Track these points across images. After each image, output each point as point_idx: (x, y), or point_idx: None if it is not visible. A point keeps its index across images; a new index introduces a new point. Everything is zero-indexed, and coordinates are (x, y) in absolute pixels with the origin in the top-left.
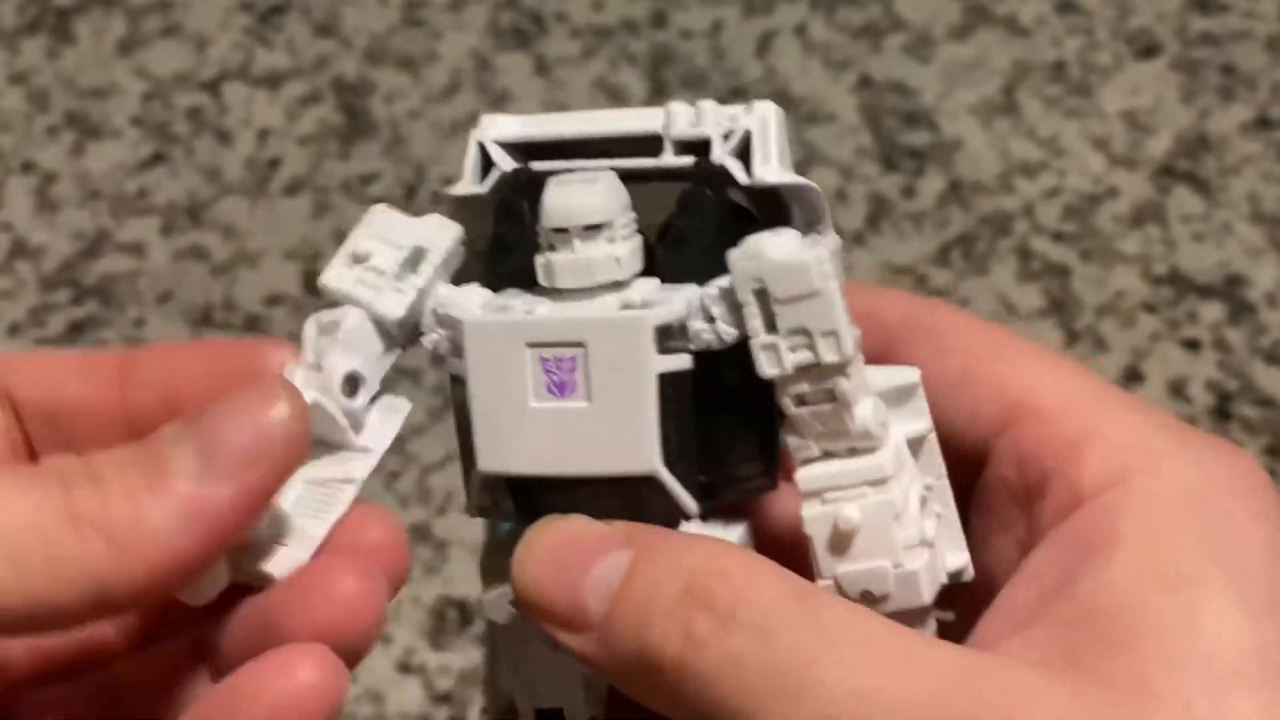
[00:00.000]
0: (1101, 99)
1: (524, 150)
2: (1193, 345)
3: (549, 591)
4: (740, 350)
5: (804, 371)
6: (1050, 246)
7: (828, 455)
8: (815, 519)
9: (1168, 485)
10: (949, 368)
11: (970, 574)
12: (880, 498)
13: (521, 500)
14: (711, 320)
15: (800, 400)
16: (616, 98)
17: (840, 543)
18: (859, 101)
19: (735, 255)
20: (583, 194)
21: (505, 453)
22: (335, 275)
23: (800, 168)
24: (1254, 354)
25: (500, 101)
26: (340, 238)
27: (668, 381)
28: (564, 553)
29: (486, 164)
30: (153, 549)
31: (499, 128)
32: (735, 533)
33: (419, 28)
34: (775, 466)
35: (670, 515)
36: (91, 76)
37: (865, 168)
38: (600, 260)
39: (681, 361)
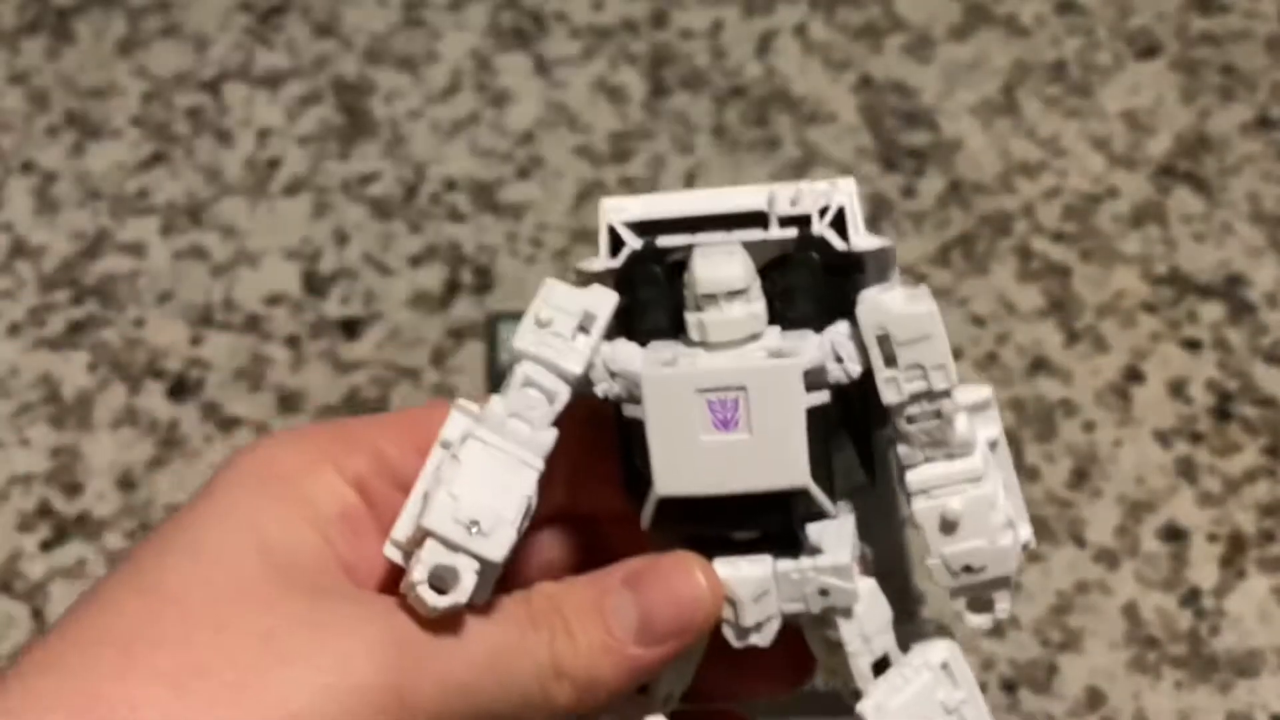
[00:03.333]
0: (1101, 99)
1: (640, 228)
2: (1193, 345)
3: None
4: (852, 384)
5: (916, 398)
6: (1050, 246)
7: (928, 460)
8: (925, 511)
9: None
10: None
11: (1034, 543)
12: (978, 492)
13: (693, 515)
14: (839, 360)
15: (911, 419)
16: (617, 98)
17: (947, 529)
18: (859, 101)
19: (862, 310)
20: (727, 264)
21: (683, 479)
22: (523, 338)
23: (800, 168)
24: (1254, 354)
25: (500, 101)
26: (340, 237)
27: (812, 413)
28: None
29: (614, 243)
30: (601, 694)
31: (625, 211)
32: (850, 521)
33: (419, 28)
34: (874, 468)
35: (810, 516)
36: (91, 76)
37: (865, 168)
38: (744, 319)
39: (822, 397)
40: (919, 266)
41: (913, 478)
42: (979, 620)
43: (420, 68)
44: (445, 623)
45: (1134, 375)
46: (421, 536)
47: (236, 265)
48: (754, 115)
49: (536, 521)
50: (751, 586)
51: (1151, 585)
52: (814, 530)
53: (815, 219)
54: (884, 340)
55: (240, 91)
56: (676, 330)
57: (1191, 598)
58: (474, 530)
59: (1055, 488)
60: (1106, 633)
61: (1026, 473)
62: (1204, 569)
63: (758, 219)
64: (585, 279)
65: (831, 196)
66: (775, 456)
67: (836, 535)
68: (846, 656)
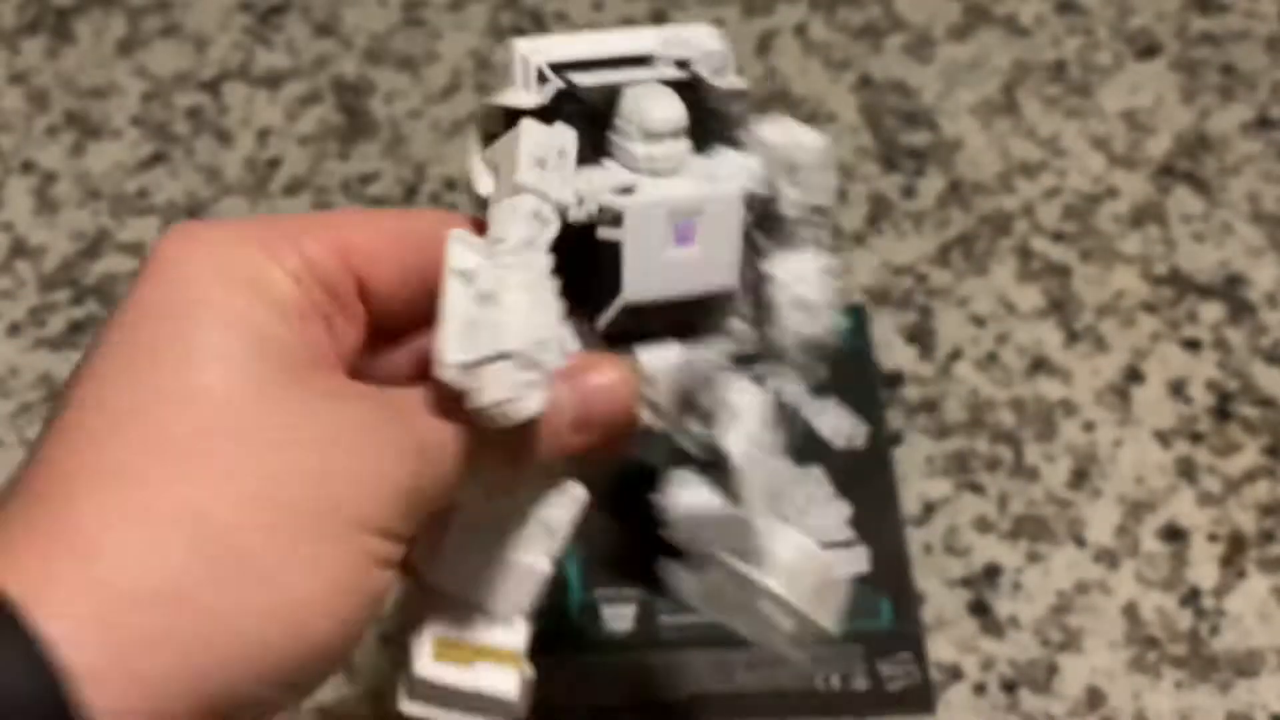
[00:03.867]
0: (1101, 99)
1: (555, 66)
2: (1193, 345)
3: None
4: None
5: (810, 211)
6: (1050, 246)
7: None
8: (779, 287)
9: None
10: None
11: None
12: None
13: (633, 317)
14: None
15: (795, 224)
16: None
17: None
18: (859, 101)
19: (765, 139)
20: (673, 105)
21: (647, 286)
22: (526, 175)
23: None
24: (1254, 354)
25: None
26: None
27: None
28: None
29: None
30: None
31: (544, 52)
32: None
33: (419, 28)
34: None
35: (720, 312)
36: (91, 76)
37: (865, 168)
38: (683, 150)
39: (748, 219)
40: (919, 266)
41: (781, 265)
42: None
43: (420, 68)
44: (453, 423)
45: (1134, 375)
46: (496, 358)
47: None
48: (754, 115)
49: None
50: (668, 359)
51: (1151, 585)
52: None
53: (702, 65)
54: (791, 166)
55: (240, 91)
56: (595, 156)
57: (1191, 598)
58: (544, 348)
59: (1055, 488)
60: (1106, 633)
61: (1027, 473)
62: (1204, 569)
63: (646, 61)
64: (509, 114)
65: (706, 43)
66: (718, 264)
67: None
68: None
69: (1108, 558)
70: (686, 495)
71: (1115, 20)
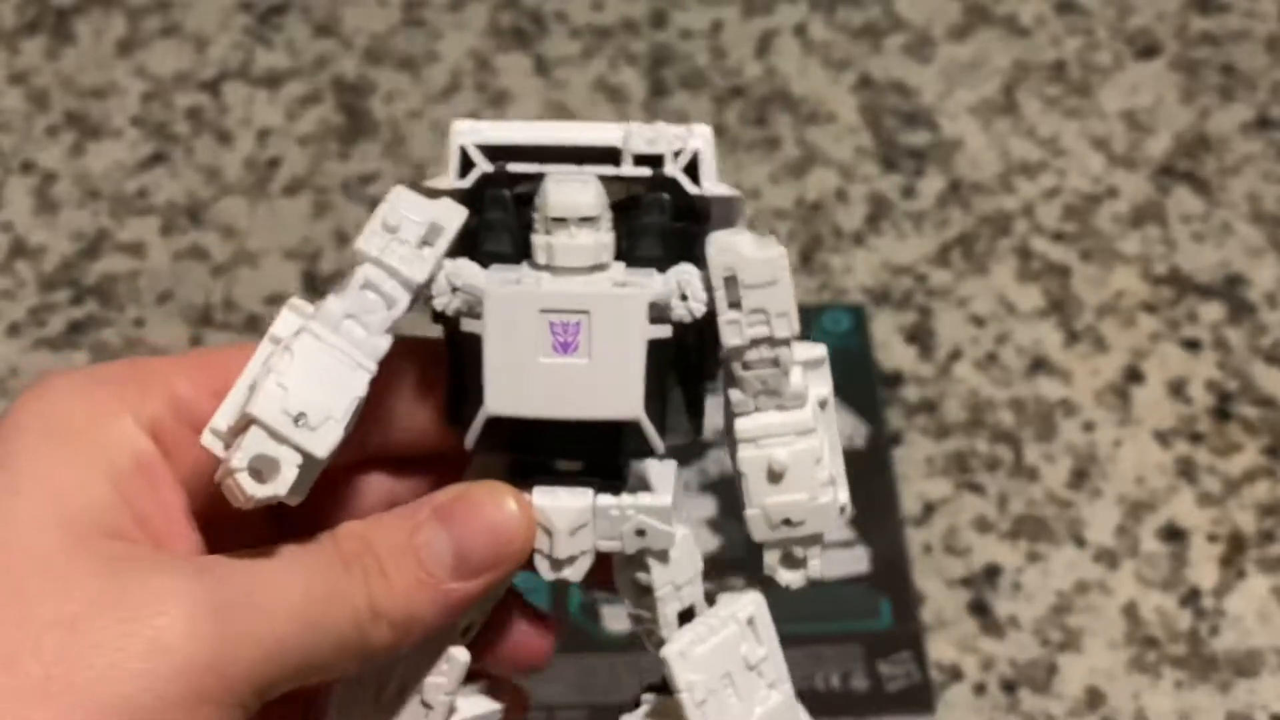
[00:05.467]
0: (1101, 99)
1: (492, 152)
2: (1193, 345)
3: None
4: (692, 326)
5: (757, 343)
6: (1050, 246)
7: (759, 410)
8: (751, 460)
9: None
10: None
11: (850, 509)
12: (805, 444)
13: (518, 440)
14: (685, 298)
15: (748, 365)
16: (616, 98)
17: (773, 478)
18: (859, 101)
19: (712, 250)
20: (581, 192)
21: (516, 398)
22: (368, 241)
23: (800, 167)
24: (1254, 354)
25: (500, 101)
26: (340, 237)
27: (653, 346)
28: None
29: (465, 164)
30: (419, 631)
31: (478, 133)
32: (673, 468)
33: (419, 28)
34: (701, 420)
35: (641, 452)
36: (91, 76)
37: (865, 168)
38: (592, 246)
39: (664, 331)
40: (919, 266)
41: (742, 425)
42: (790, 577)
43: (420, 68)
44: (257, 577)
45: (1134, 375)
46: (245, 424)
47: (236, 265)
48: (754, 115)
49: (358, 464)
50: (569, 517)
51: (1151, 585)
52: (639, 470)
53: (669, 160)
54: (731, 282)
55: (240, 91)
56: (520, 257)
57: (1191, 598)
58: (300, 422)
59: (1055, 488)
60: (1106, 633)
61: (1026, 473)
62: (1204, 569)
63: (610, 155)
64: (432, 197)
65: (687, 140)
66: (612, 385)
67: (659, 477)
68: (655, 601)
69: (1108, 558)
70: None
71: (1115, 20)
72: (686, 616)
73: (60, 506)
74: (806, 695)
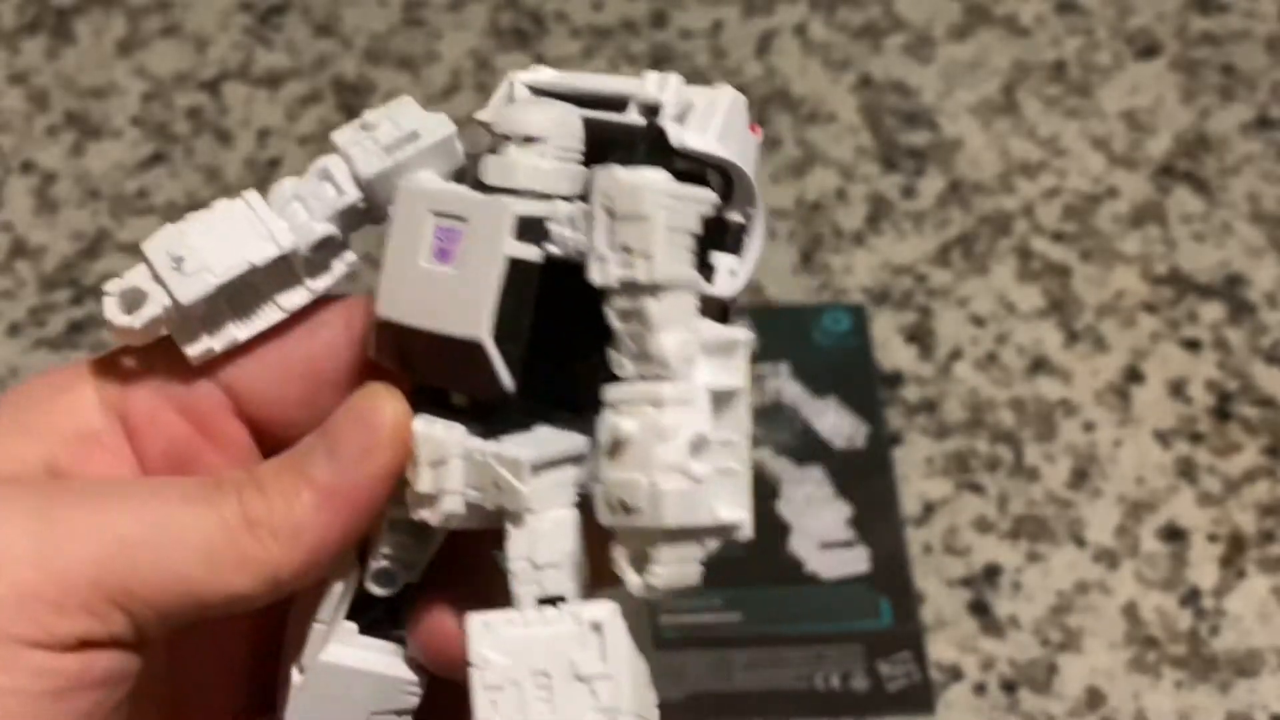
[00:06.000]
0: (1101, 99)
1: (536, 92)
2: (1193, 345)
3: None
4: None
5: (625, 288)
6: (1050, 246)
7: (640, 379)
8: (601, 426)
9: None
10: None
11: (747, 534)
12: (658, 419)
13: (405, 356)
14: (572, 228)
15: (621, 316)
16: None
17: (613, 451)
18: (859, 101)
19: (598, 173)
20: (532, 111)
21: (395, 303)
22: (340, 133)
23: (800, 167)
24: (1254, 354)
25: None
26: None
27: (515, 266)
28: None
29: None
30: (306, 537)
31: (534, 75)
32: (569, 439)
33: (419, 28)
34: (577, 386)
35: (491, 388)
36: (91, 76)
37: (865, 168)
38: (523, 166)
39: (530, 252)
40: (919, 267)
41: (609, 390)
42: (632, 579)
43: (420, 68)
44: (105, 487)
45: (1134, 375)
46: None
47: None
48: (754, 115)
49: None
50: (430, 448)
51: (1151, 585)
52: (534, 431)
53: (667, 110)
54: (609, 212)
55: (240, 91)
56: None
57: (1191, 598)
58: (176, 266)
59: (1055, 488)
60: (1106, 633)
61: (1026, 473)
62: (1204, 569)
63: (620, 104)
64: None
65: (695, 97)
66: (466, 299)
67: (538, 438)
68: (509, 579)
69: (1108, 558)
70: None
71: (1115, 20)
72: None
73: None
74: (806, 695)
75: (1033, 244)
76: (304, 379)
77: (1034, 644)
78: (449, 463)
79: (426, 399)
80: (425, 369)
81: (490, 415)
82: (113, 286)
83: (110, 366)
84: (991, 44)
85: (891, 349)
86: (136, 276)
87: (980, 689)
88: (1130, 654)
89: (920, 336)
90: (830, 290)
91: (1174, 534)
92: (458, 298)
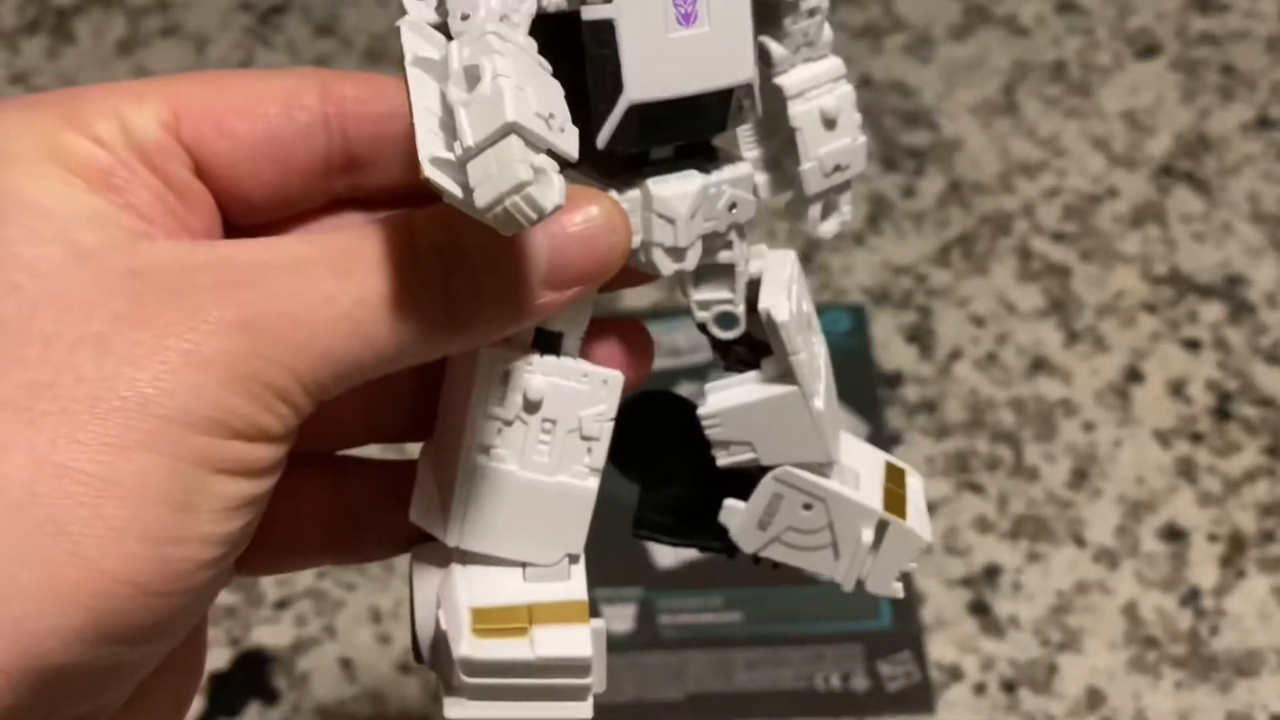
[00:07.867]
0: (1101, 99)
1: None
2: (1193, 345)
3: None
4: None
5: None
6: (1050, 246)
7: (794, 68)
8: (805, 113)
9: None
10: None
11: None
12: (845, 89)
13: (643, 130)
14: None
15: (796, 18)
16: None
17: (828, 125)
18: (859, 101)
19: None
20: None
21: (657, 80)
22: None
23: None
24: (1254, 354)
25: None
26: None
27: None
28: None
29: None
30: (495, 340)
31: None
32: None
33: None
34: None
35: (730, 121)
36: (91, 76)
37: (865, 168)
38: None
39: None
40: (919, 266)
41: (789, 80)
42: (828, 226)
43: None
44: (290, 286)
45: (1134, 375)
46: (499, 136)
47: None
48: None
49: (330, 205)
50: (689, 201)
51: (1151, 585)
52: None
53: None
54: None
55: None
56: None
57: (1191, 598)
58: (552, 124)
59: (1055, 488)
60: (1106, 633)
61: (1026, 473)
62: (1204, 569)
63: None
64: None
65: None
66: (729, 50)
67: (732, 139)
68: (735, 277)
69: (1108, 558)
70: (727, 394)
71: (1115, 20)
72: (754, 287)
73: (48, 221)
74: (806, 695)
75: (1033, 244)
76: (274, 162)
77: (1034, 644)
78: (701, 208)
79: (610, 168)
80: (661, 136)
81: (696, 154)
82: (524, 173)
83: (72, 108)
84: (991, 44)
85: (891, 349)
86: (522, 153)
87: (980, 689)
88: (1130, 654)
89: (920, 336)
90: (830, 290)
91: (1174, 534)
92: (720, 51)
